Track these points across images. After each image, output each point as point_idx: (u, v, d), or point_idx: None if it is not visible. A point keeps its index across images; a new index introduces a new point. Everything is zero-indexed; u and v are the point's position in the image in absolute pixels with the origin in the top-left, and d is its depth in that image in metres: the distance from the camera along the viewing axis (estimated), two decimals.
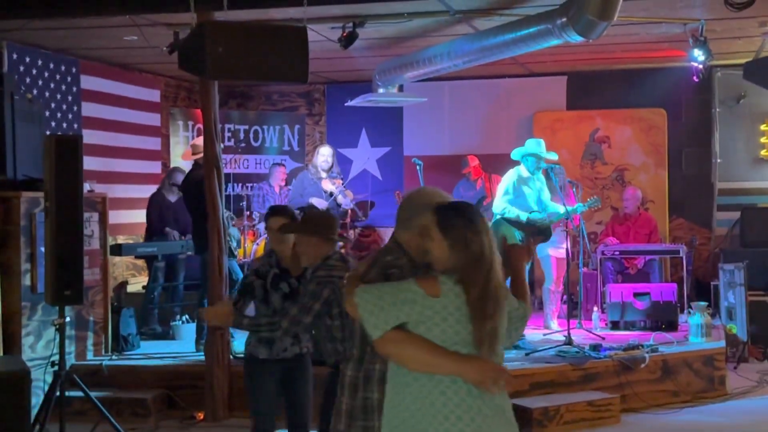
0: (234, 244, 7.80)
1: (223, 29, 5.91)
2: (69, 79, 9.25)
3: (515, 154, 8.13)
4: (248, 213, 10.44)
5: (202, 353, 7.18)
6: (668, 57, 9.92)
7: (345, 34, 7.74)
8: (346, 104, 10.57)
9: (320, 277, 4.33)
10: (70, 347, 7.16)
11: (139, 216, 9.40)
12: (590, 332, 8.18)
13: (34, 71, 8.71)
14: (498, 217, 7.90)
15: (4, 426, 5.07)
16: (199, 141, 8.48)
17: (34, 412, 5.70)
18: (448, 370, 2.91)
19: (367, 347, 3.27)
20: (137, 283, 9.97)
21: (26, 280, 6.74)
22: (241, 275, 7.98)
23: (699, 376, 7.47)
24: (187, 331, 8.34)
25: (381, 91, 9.65)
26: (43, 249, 6.30)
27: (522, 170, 8.03)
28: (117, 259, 9.44)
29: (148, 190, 9.59)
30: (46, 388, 5.97)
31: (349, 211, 9.79)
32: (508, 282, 3.19)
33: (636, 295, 8.40)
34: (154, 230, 9.12)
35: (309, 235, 4.47)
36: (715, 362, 7.53)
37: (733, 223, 10.41)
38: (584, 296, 9.04)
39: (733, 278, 8.54)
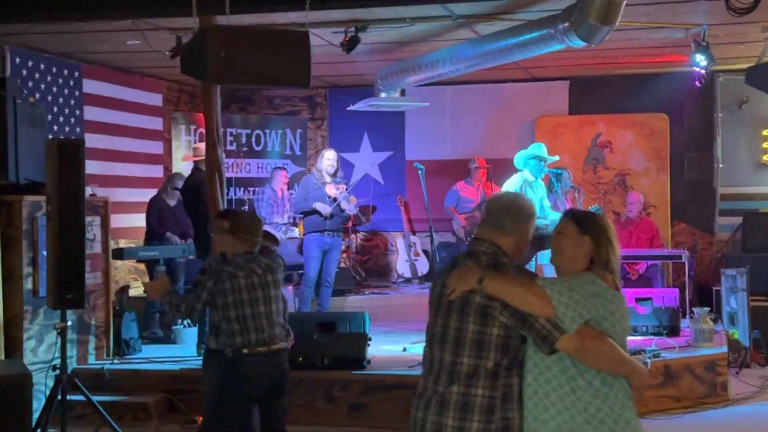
0: None
1: (225, 33, 5.91)
2: (71, 83, 9.27)
3: (518, 158, 8.12)
4: None
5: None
6: (670, 62, 9.92)
7: (347, 39, 7.75)
8: (348, 108, 10.58)
9: (210, 269, 4.79)
10: (72, 351, 7.15)
11: (141, 220, 9.40)
12: None
13: (37, 75, 8.72)
14: None
15: (5, 430, 5.06)
16: (202, 145, 8.49)
17: (35, 416, 5.69)
18: (627, 370, 2.91)
19: (504, 359, 2.98)
20: (138, 287, 9.97)
21: (28, 284, 6.73)
22: None
23: (701, 381, 7.45)
24: (188, 335, 8.34)
25: (383, 95, 9.65)
26: (45, 253, 6.29)
27: (526, 175, 8.02)
28: (119, 262, 9.45)
29: (149, 194, 9.59)
30: (48, 392, 5.96)
31: (352, 216, 9.78)
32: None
33: (638, 300, 8.38)
34: (154, 234, 9.11)
35: (221, 233, 4.91)
36: (717, 368, 7.51)
37: (735, 228, 10.40)
38: None
39: (735, 283, 8.53)
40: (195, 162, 8.14)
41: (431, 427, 3.00)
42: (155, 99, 10.79)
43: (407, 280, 11.32)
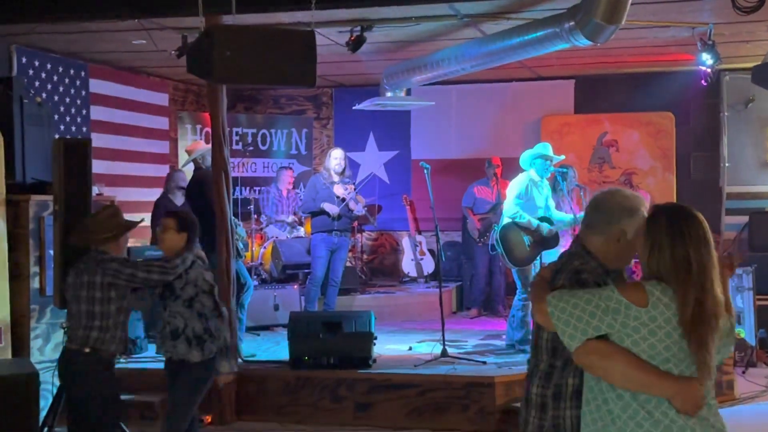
0: (241, 245, 7.79)
1: (231, 33, 5.92)
2: (78, 82, 9.29)
3: (524, 158, 8.09)
4: (256, 216, 10.46)
5: None
6: (676, 61, 9.90)
7: (353, 38, 7.75)
8: (353, 108, 10.58)
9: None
10: None
11: (147, 219, 9.41)
12: None
13: (43, 75, 8.75)
14: (509, 221, 7.88)
15: (12, 429, 5.08)
16: (192, 146, 8.50)
17: (42, 414, 5.70)
18: (659, 392, 2.67)
19: (557, 360, 3.02)
20: None
21: (35, 283, 6.75)
22: (248, 278, 7.98)
23: None
24: None
25: (389, 94, 9.65)
26: (51, 252, 6.31)
27: (533, 174, 8.00)
28: None
29: (155, 194, 9.61)
30: (55, 390, 5.97)
31: (359, 216, 9.78)
32: None
33: None
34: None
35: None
36: (723, 367, 7.49)
37: (742, 227, 10.38)
38: None
39: (742, 282, 8.51)
40: (194, 162, 8.13)
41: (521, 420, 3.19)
42: (161, 99, 10.81)
43: (413, 280, 11.32)
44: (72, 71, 9.19)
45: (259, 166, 11.76)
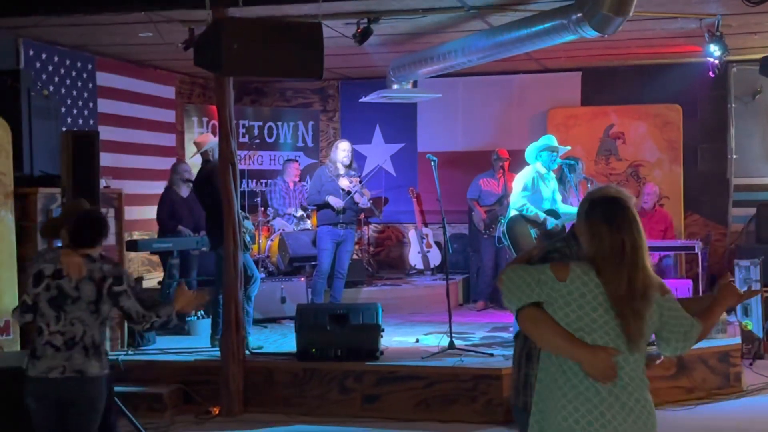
0: (248, 238, 7.81)
1: (237, 26, 5.93)
2: (85, 75, 9.30)
3: (529, 151, 8.08)
4: (262, 209, 10.47)
5: (218, 349, 7.20)
6: (684, 52, 9.87)
7: (359, 30, 7.74)
8: (360, 100, 10.58)
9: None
10: None
11: (155, 212, 9.43)
12: None
13: (50, 68, 8.76)
14: (516, 213, 7.88)
15: (20, 421, 5.09)
16: (201, 138, 8.50)
17: None
18: (567, 354, 3.03)
19: None
20: (152, 279, 10.01)
21: None
22: (255, 270, 8.00)
23: (714, 372, 7.44)
24: (202, 326, 8.38)
25: (395, 87, 9.65)
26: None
27: (538, 167, 7.99)
28: (132, 254, 9.48)
29: (162, 186, 9.62)
30: None
31: (365, 209, 9.79)
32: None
33: None
34: (165, 229, 9.06)
35: None
36: (731, 359, 7.50)
37: (749, 219, 10.37)
38: None
39: (749, 274, 8.50)
40: (203, 155, 8.14)
41: None
42: (168, 91, 10.82)
43: (419, 272, 11.33)
44: (79, 64, 9.20)
45: (265, 159, 11.76)
